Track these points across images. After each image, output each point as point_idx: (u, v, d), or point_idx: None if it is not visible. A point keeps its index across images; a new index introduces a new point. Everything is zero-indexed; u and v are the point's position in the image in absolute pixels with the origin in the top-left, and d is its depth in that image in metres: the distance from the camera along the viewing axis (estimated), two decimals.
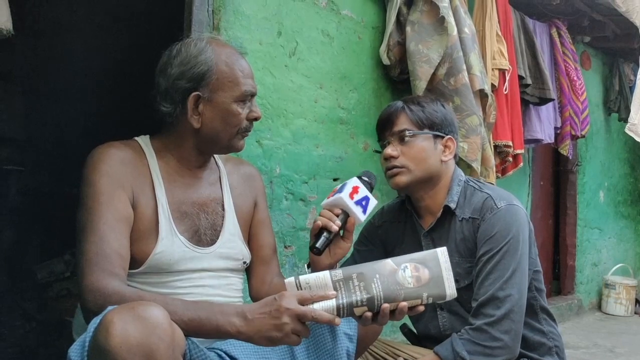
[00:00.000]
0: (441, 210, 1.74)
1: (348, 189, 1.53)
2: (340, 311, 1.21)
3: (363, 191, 1.55)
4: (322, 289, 1.20)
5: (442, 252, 1.30)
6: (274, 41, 2.51)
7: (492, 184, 1.94)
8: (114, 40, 3.76)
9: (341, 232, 1.55)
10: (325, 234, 1.50)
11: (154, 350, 0.99)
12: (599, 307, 5.46)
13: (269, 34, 2.49)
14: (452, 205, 1.73)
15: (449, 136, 1.76)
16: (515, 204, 1.70)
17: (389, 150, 1.74)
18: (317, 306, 1.18)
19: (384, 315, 1.24)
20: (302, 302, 1.17)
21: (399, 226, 1.88)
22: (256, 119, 1.50)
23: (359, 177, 1.60)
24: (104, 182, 1.35)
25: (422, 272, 1.26)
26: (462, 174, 1.82)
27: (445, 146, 1.76)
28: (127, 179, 1.38)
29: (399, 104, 1.77)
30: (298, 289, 1.21)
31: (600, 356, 3.89)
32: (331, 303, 1.19)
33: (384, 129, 1.77)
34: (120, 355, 0.97)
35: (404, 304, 1.24)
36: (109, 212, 1.32)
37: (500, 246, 1.63)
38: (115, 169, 1.38)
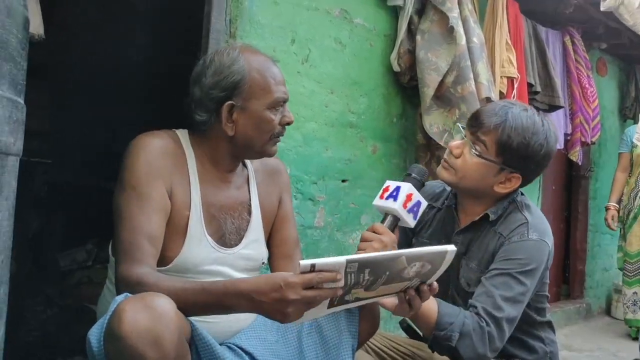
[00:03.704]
0: (480, 216, 1.72)
1: (402, 197, 1.52)
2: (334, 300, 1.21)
3: (416, 196, 1.54)
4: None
5: (451, 252, 1.28)
6: (288, 49, 2.62)
7: None
8: (139, 37, 3.87)
9: None
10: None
11: (160, 336, 1.09)
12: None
13: (283, 42, 2.60)
14: (492, 217, 1.69)
15: (517, 174, 1.66)
16: (545, 241, 1.65)
17: (454, 146, 1.69)
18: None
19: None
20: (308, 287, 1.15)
21: (433, 210, 1.83)
22: (289, 123, 1.52)
23: (411, 176, 1.58)
24: (144, 171, 1.37)
25: (425, 267, 1.28)
26: (519, 195, 1.74)
27: (507, 179, 1.67)
28: (167, 170, 1.41)
29: (501, 119, 1.62)
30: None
31: (603, 359, 3.94)
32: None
33: (475, 122, 1.67)
34: (131, 339, 1.08)
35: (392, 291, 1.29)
36: (146, 201, 1.35)
37: (513, 270, 1.60)
38: (157, 160, 1.40)
